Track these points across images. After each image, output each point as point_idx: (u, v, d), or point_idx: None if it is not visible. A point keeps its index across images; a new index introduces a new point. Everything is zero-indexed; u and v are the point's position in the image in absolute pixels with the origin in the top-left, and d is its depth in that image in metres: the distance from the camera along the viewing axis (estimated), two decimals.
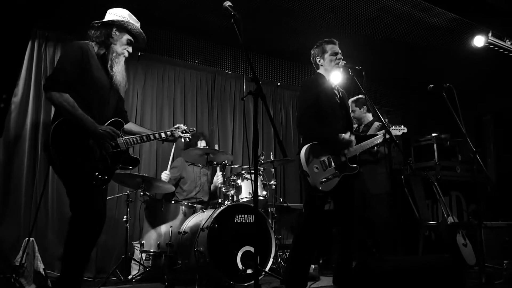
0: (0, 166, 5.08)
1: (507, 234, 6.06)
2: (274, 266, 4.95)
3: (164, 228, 4.93)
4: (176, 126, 3.74)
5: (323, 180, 3.50)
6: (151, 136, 3.47)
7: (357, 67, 3.74)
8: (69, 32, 5.61)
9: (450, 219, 6.01)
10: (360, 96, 5.38)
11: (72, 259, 2.96)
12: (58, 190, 5.32)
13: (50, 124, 3.02)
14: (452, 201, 7.08)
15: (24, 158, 5.20)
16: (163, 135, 3.57)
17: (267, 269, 4.62)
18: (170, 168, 5.67)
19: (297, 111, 4.50)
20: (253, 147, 2.73)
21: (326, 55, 3.85)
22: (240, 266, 4.42)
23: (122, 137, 3.25)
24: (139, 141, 3.38)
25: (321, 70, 3.89)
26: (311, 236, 3.61)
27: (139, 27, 3.36)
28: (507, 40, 6.37)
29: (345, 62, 3.82)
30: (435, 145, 7.13)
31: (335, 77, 3.93)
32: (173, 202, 5.20)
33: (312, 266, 4.88)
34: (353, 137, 3.72)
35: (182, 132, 3.74)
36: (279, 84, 7.50)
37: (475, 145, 4.26)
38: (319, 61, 3.89)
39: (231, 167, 6.23)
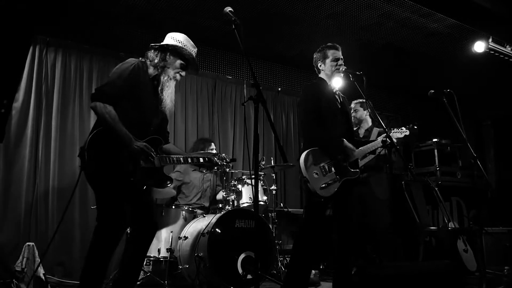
0: (0, 171, 5.08)
1: (507, 240, 6.05)
2: (275, 272, 4.95)
3: (164, 233, 4.93)
4: (215, 153, 3.73)
5: (323, 185, 3.50)
6: (189, 159, 3.44)
7: (357, 73, 3.74)
8: (70, 38, 5.63)
9: (450, 225, 6.00)
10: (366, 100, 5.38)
11: (92, 271, 2.96)
12: (58, 195, 5.32)
13: (89, 133, 3.03)
14: (452, 207, 7.08)
15: (25, 164, 5.20)
16: (201, 160, 3.51)
17: (267, 275, 4.62)
18: (173, 172, 5.69)
19: (299, 116, 4.50)
20: (254, 152, 2.73)
21: (327, 60, 3.84)
22: (240, 271, 4.42)
23: (157, 155, 3.23)
24: (175, 161, 3.37)
25: (322, 75, 3.88)
26: (311, 242, 3.60)
27: (195, 52, 3.41)
28: (507, 46, 6.39)
29: (345, 67, 3.82)
30: (435, 151, 7.15)
31: (336, 82, 3.93)
32: (173, 207, 5.20)
33: (313, 271, 4.88)
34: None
35: (221, 160, 3.64)
36: (279, 89, 7.51)
37: (476, 150, 4.25)
38: (320, 65, 3.88)
39: (232, 172, 6.23)
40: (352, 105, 5.51)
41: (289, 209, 6.31)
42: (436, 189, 6.28)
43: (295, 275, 3.60)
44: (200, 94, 6.80)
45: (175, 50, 3.31)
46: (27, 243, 4.43)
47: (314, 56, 3.94)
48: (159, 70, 3.29)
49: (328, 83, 3.84)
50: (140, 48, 6.17)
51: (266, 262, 4.66)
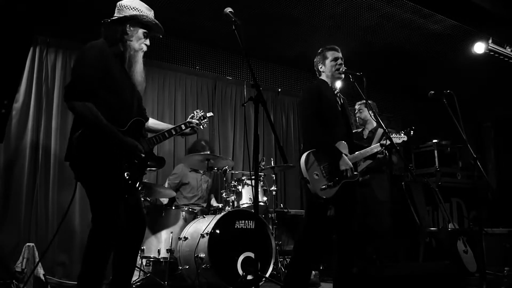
0: (0, 172, 5.08)
1: (507, 241, 6.05)
2: (275, 272, 4.95)
3: (164, 234, 4.93)
4: (191, 115, 3.57)
5: (323, 187, 3.50)
6: (173, 131, 3.32)
7: (357, 73, 3.74)
8: (70, 38, 5.63)
9: (450, 226, 6.00)
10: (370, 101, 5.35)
11: (90, 274, 2.82)
12: (59, 195, 5.32)
13: (71, 133, 2.86)
14: (452, 208, 7.08)
15: (25, 164, 5.20)
16: (183, 127, 3.41)
17: (267, 275, 4.62)
18: (171, 175, 5.72)
19: (299, 116, 4.49)
20: (254, 153, 2.72)
21: (327, 61, 3.84)
22: (240, 272, 4.42)
23: (145, 137, 3.14)
24: (161, 139, 3.26)
25: (323, 77, 3.89)
26: (312, 243, 3.60)
27: (152, 15, 3.16)
28: (507, 47, 6.39)
29: (345, 68, 3.82)
30: (435, 152, 7.15)
31: (337, 84, 3.93)
32: (173, 208, 5.20)
33: (313, 272, 4.88)
34: (351, 164, 3.61)
35: (199, 120, 3.56)
36: (279, 90, 7.51)
37: (476, 151, 4.25)
38: (321, 67, 3.89)
39: (232, 173, 6.23)
40: (357, 106, 5.50)
41: (289, 210, 6.31)
42: (436, 190, 6.28)
43: (295, 275, 3.59)
44: (200, 94, 6.80)
45: (135, 20, 3.06)
46: (27, 244, 4.44)
47: (315, 60, 3.95)
48: (122, 46, 3.05)
49: (329, 85, 3.84)
50: None
51: (266, 262, 4.67)
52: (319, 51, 3.94)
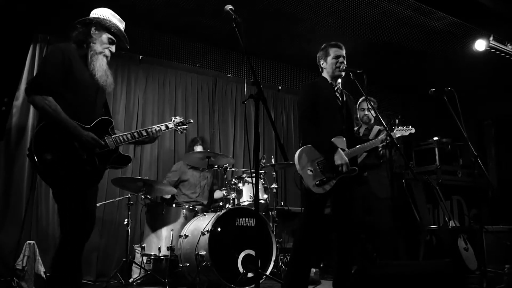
0: (1, 169, 5.08)
1: (508, 238, 6.04)
2: (275, 270, 4.95)
3: (165, 231, 4.93)
4: (167, 122, 3.64)
5: (317, 182, 3.49)
6: (135, 134, 3.35)
7: (358, 71, 3.72)
8: (70, 36, 5.62)
9: (451, 224, 6.00)
10: (372, 99, 5.30)
11: (63, 266, 2.87)
12: None
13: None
14: (453, 206, 7.08)
15: (25, 162, 5.19)
16: (144, 133, 3.42)
17: (268, 273, 4.62)
18: (170, 172, 5.73)
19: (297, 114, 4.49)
20: (254, 150, 2.73)
21: (329, 58, 3.81)
22: (241, 269, 4.42)
23: (111, 135, 3.17)
24: (129, 139, 3.29)
25: (324, 73, 3.88)
26: (311, 240, 3.59)
27: (122, 26, 3.29)
28: (508, 44, 6.38)
29: (346, 66, 3.80)
30: (436, 149, 7.14)
31: (338, 80, 3.91)
32: (174, 205, 5.20)
33: (313, 270, 4.88)
34: (346, 159, 3.57)
35: (178, 125, 3.67)
36: (280, 87, 7.51)
37: (477, 149, 4.24)
38: (322, 63, 3.86)
39: (232, 171, 6.23)
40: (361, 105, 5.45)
41: (290, 208, 6.31)
42: (437, 187, 6.27)
43: (295, 273, 3.59)
44: (200, 92, 6.80)
45: (99, 24, 3.19)
46: (28, 241, 4.44)
47: (317, 55, 3.92)
48: (86, 47, 3.16)
49: (329, 81, 3.82)
50: (140, 46, 6.22)
51: (267, 260, 4.68)
52: (322, 46, 3.90)
